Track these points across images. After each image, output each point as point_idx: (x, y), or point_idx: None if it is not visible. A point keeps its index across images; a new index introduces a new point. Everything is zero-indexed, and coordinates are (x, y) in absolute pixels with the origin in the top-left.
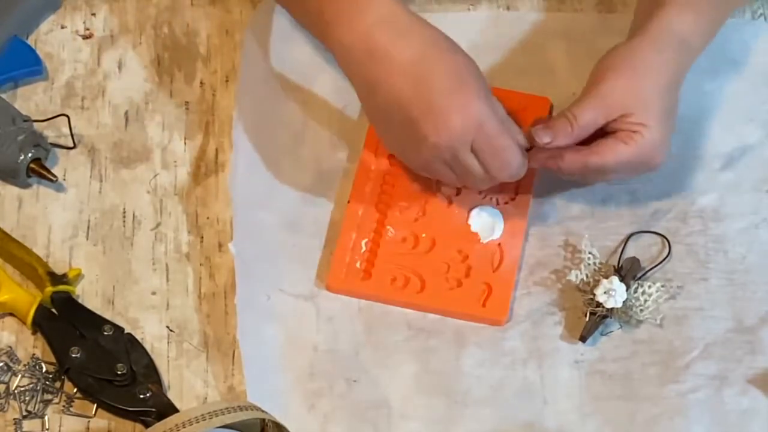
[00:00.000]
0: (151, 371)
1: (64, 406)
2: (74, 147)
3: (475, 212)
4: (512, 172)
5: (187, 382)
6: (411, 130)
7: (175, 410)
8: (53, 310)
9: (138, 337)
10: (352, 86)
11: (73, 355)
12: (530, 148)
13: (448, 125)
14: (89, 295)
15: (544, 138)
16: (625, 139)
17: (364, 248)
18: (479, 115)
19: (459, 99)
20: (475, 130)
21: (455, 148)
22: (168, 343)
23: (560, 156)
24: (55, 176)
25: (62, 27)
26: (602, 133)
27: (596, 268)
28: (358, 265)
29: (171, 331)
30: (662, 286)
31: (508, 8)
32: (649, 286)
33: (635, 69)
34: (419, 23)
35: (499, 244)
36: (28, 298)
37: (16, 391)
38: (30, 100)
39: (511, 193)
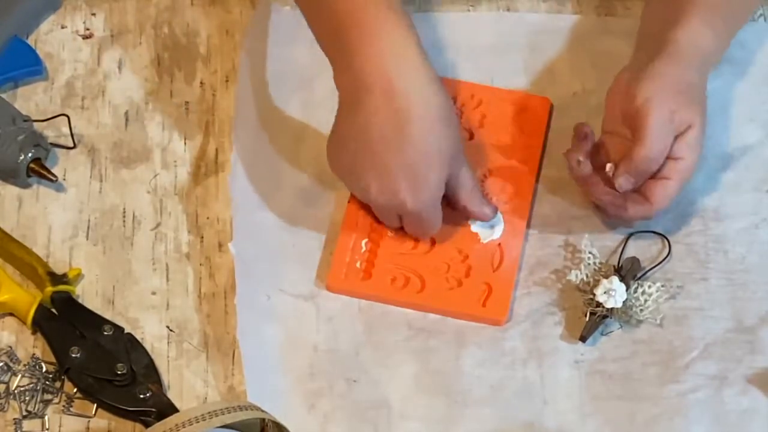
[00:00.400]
0: (151, 371)
1: (64, 406)
2: (74, 147)
3: None
4: (429, 236)
5: (187, 382)
6: (357, 179)
7: (175, 410)
8: (53, 310)
9: (138, 337)
10: (339, 98)
11: (73, 355)
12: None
13: (386, 196)
14: (89, 295)
15: (626, 186)
16: (669, 175)
17: (364, 248)
18: (417, 206)
19: (409, 184)
20: (408, 212)
21: (384, 210)
22: (168, 343)
23: (623, 207)
24: (55, 176)
25: (62, 27)
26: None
27: (596, 268)
28: (358, 265)
29: (171, 331)
30: (662, 286)
31: (508, 9)
32: (649, 286)
33: (678, 89)
34: (426, 70)
35: (499, 244)
36: (28, 298)
37: (16, 391)
38: (30, 100)
39: (511, 193)
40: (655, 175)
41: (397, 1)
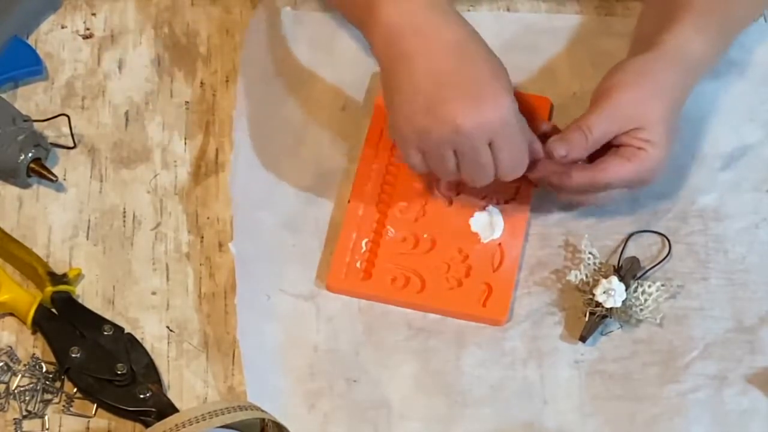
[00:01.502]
0: (151, 371)
1: (64, 406)
2: (74, 147)
3: (475, 212)
4: (520, 172)
5: (187, 382)
6: (438, 108)
7: (175, 410)
8: (53, 310)
9: (138, 337)
10: (380, 65)
11: (73, 355)
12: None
13: (480, 112)
14: (89, 295)
15: (560, 151)
16: (629, 157)
17: (364, 248)
18: (508, 112)
19: (494, 90)
20: (500, 125)
21: (475, 136)
22: (168, 343)
23: (567, 173)
24: (55, 176)
25: (62, 27)
26: (605, 147)
27: (596, 268)
28: (358, 265)
29: (171, 331)
30: (662, 286)
31: (508, 9)
32: (649, 286)
33: (650, 85)
34: (459, 15)
35: (500, 244)
36: (28, 298)
37: (16, 391)
38: (30, 99)
39: (511, 193)
40: (615, 153)
41: None
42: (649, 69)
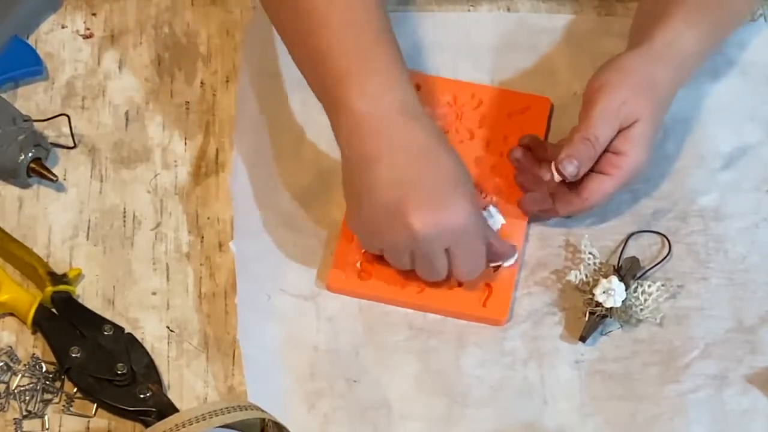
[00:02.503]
0: (151, 371)
1: (64, 405)
2: (74, 147)
3: None
4: (476, 275)
5: (187, 382)
6: (396, 214)
7: (175, 410)
8: (53, 310)
9: (138, 337)
10: (342, 155)
11: (73, 355)
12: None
13: (437, 220)
14: (89, 295)
15: (570, 169)
16: (608, 170)
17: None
18: (467, 220)
19: (454, 199)
20: (458, 233)
21: (432, 243)
22: (168, 343)
23: (553, 210)
24: (55, 176)
25: (63, 27)
26: None
27: (596, 268)
28: (358, 265)
29: (171, 331)
30: (662, 286)
31: (508, 9)
32: (649, 286)
33: (637, 82)
34: (430, 119)
35: None
36: (28, 297)
37: (16, 391)
38: (30, 99)
39: (511, 193)
40: (593, 168)
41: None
42: (637, 66)
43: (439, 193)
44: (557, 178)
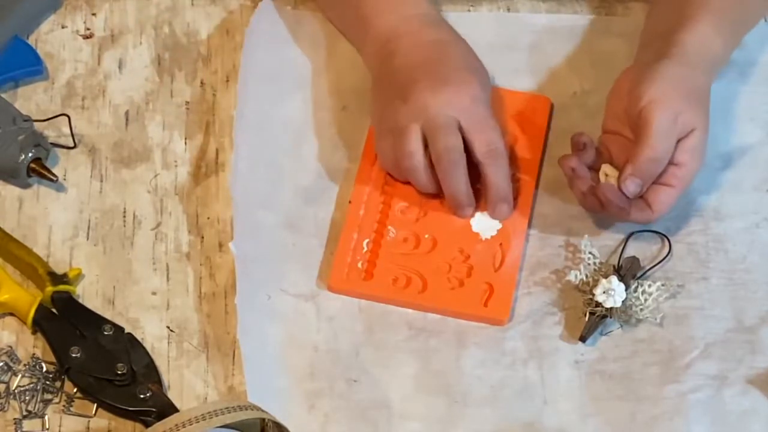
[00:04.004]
0: (151, 371)
1: (64, 405)
2: (74, 147)
3: (476, 212)
4: (500, 161)
5: (187, 382)
6: (409, 92)
7: (175, 410)
8: (53, 309)
9: (138, 337)
10: (369, 67)
11: (74, 355)
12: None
13: (447, 92)
14: (89, 295)
15: (632, 189)
16: (671, 181)
17: (365, 248)
18: (476, 96)
19: (463, 78)
20: (467, 105)
21: (444, 117)
22: (168, 343)
23: (626, 211)
24: (55, 176)
25: (63, 27)
26: None
27: (596, 268)
28: (359, 265)
29: (171, 331)
30: (662, 285)
31: (508, 9)
32: (649, 285)
33: (688, 91)
34: (446, 22)
35: (501, 244)
36: (28, 297)
37: (16, 391)
38: (30, 99)
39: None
40: (657, 181)
41: None
42: (680, 74)
43: (450, 74)
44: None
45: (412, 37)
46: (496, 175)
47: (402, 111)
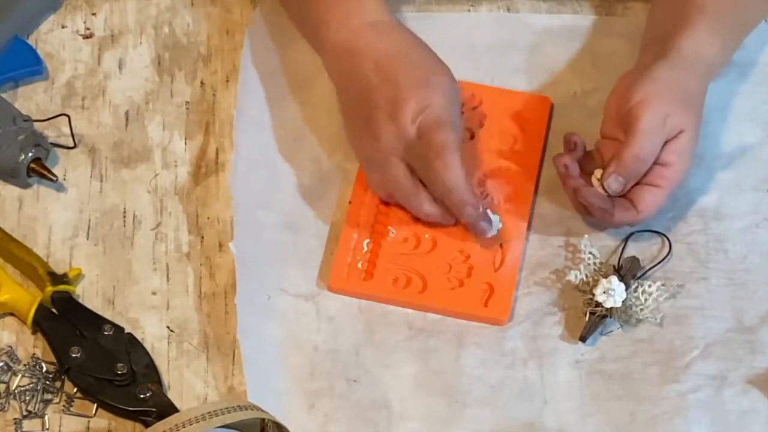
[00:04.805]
0: (151, 371)
1: (64, 405)
2: (74, 147)
3: None
4: (454, 176)
5: (187, 382)
6: (369, 120)
7: (175, 410)
8: (53, 309)
9: (138, 337)
10: (333, 83)
11: (73, 355)
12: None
13: (402, 107)
14: (89, 295)
15: (615, 186)
16: (658, 181)
17: (365, 248)
18: (431, 103)
19: (418, 89)
20: (438, 98)
21: (409, 134)
22: (168, 343)
23: (609, 212)
24: (55, 176)
25: (63, 27)
26: None
27: (596, 268)
28: (359, 265)
29: (171, 331)
30: (662, 285)
31: (508, 9)
32: (649, 285)
33: (680, 93)
34: (400, 28)
35: (501, 244)
36: (28, 297)
37: (16, 391)
38: (30, 99)
39: (511, 193)
40: (642, 181)
41: None
42: (673, 77)
43: (405, 90)
44: (600, 192)
45: (366, 52)
46: (448, 173)
47: (376, 146)
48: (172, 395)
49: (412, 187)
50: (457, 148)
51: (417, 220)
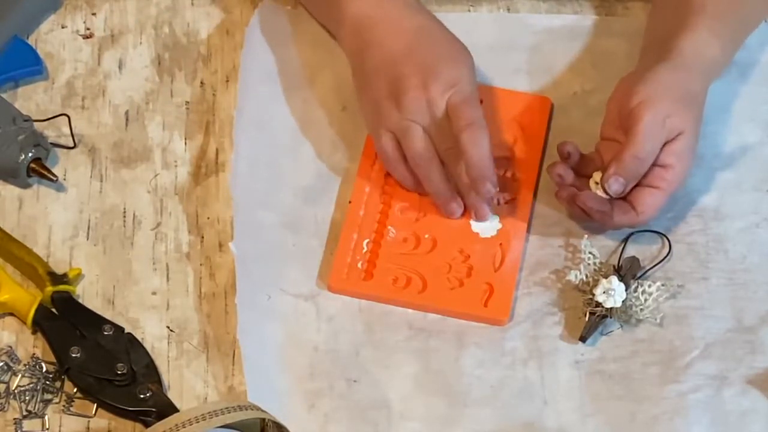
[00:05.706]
0: (151, 371)
1: (64, 405)
2: (74, 147)
3: None
4: (477, 126)
5: (187, 382)
6: (395, 86)
7: (175, 410)
8: (53, 309)
9: (138, 337)
10: (349, 60)
11: (73, 355)
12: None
13: (434, 78)
14: (89, 295)
15: (615, 188)
16: (657, 183)
17: (365, 248)
18: (464, 77)
19: (448, 64)
20: (456, 81)
21: (438, 105)
22: (168, 343)
23: (609, 214)
24: (55, 176)
25: (63, 27)
26: None
27: (596, 268)
28: (359, 265)
29: (171, 331)
30: (662, 286)
31: (508, 9)
32: (649, 285)
33: (680, 95)
34: (422, 6)
35: (501, 244)
36: (28, 297)
37: (16, 391)
38: (30, 99)
39: (512, 193)
40: (642, 183)
41: None
42: (674, 78)
43: (434, 61)
44: (602, 195)
45: (389, 24)
46: (475, 147)
47: (397, 112)
48: (172, 395)
49: (430, 157)
50: (485, 125)
51: (417, 220)
